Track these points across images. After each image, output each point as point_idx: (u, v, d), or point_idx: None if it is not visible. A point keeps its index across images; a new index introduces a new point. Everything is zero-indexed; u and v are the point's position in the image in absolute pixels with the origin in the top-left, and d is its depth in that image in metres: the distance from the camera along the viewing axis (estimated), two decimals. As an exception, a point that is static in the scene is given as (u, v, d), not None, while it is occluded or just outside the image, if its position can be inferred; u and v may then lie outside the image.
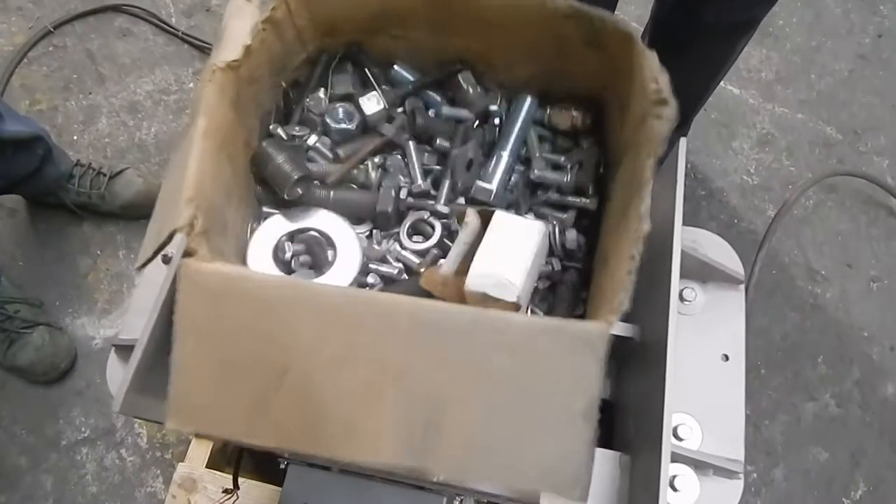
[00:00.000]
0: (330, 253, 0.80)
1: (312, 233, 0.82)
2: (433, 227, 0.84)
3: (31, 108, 1.95)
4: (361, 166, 0.84)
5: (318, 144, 0.84)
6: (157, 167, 1.88)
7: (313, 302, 0.50)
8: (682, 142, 0.71)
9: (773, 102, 1.92)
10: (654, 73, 0.62)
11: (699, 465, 0.76)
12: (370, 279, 0.82)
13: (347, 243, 0.80)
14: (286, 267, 0.81)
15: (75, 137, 1.92)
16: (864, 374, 1.60)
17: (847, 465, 1.52)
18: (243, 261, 0.77)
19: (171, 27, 2.05)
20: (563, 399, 0.48)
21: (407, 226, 0.84)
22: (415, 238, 0.85)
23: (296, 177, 0.76)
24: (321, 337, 0.49)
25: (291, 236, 0.82)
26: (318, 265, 0.80)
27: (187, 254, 0.54)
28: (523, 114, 0.88)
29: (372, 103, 0.84)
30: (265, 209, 0.83)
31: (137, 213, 1.77)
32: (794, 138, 1.87)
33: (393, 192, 0.81)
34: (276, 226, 0.82)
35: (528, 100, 0.87)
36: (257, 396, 0.49)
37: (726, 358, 0.83)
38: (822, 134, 1.87)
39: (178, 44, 2.05)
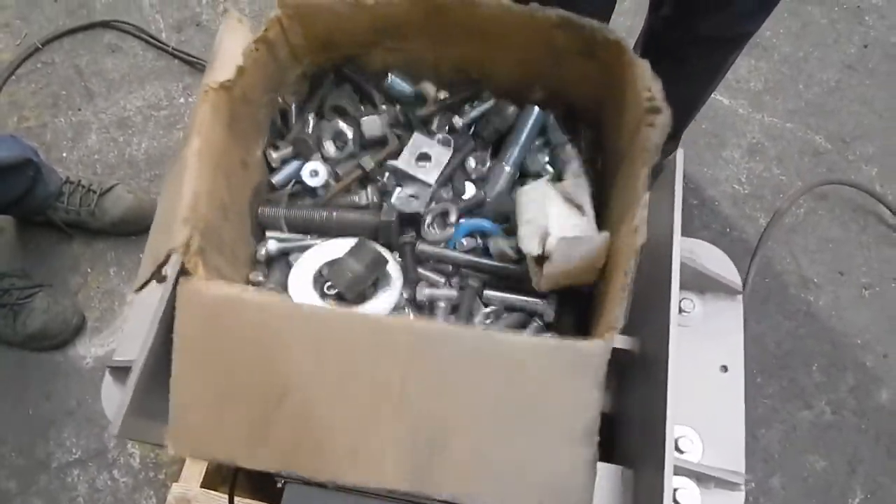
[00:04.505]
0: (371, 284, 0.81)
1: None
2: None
3: (19, 124, 1.94)
4: (362, 192, 0.84)
5: (319, 167, 0.84)
6: (148, 182, 1.87)
7: (311, 324, 0.49)
8: (679, 154, 0.72)
9: (763, 112, 1.94)
10: (646, 82, 0.63)
11: (701, 478, 0.76)
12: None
13: (389, 273, 0.80)
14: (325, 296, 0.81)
15: (64, 154, 1.90)
16: (859, 381, 1.61)
17: (844, 473, 1.52)
18: (244, 276, 0.76)
19: (160, 42, 2.04)
20: (563, 420, 0.48)
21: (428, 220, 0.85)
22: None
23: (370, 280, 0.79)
24: (320, 359, 0.48)
25: (330, 266, 0.82)
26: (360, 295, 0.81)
27: (184, 272, 0.53)
28: (529, 126, 0.88)
29: (374, 127, 0.83)
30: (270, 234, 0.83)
31: (128, 229, 1.75)
32: (784, 147, 1.89)
33: (396, 203, 0.81)
34: (317, 255, 0.82)
35: (536, 111, 0.87)
36: (256, 420, 0.49)
37: (725, 369, 0.83)
38: (811, 143, 1.89)
39: (167, 59, 2.04)
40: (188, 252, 0.53)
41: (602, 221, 0.80)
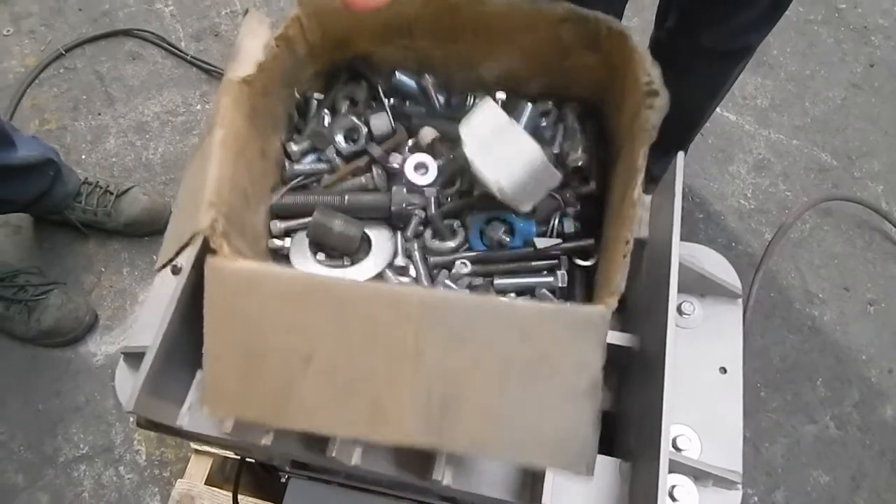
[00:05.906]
0: (365, 248, 0.84)
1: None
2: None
3: (40, 127, 1.99)
4: (367, 174, 0.87)
5: (332, 157, 0.87)
6: (163, 186, 1.91)
7: (330, 295, 0.53)
8: (680, 156, 0.74)
9: (769, 128, 1.96)
10: (646, 68, 0.65)
11: (698, 476, 0.77)
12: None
13: (381, 239, 0.84)
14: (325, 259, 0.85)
15: (83, 156, 1.95)
16: (863, 396, 1.61)
17: (848, 488, 1.52)
18: (264, 260, 0.79)
19: (179, 51, 2.10)
20: (568, 378, 0.51)
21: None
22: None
23: (358, 237, 0.82)
24: (341, 326, 0.52)
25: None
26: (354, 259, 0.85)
27: (211, 252, 0.56)
28: (523, 123, 0.90)
29: (382, 123, 0.86)
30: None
31: (142, 230, 1.79)
32: (790, 163, 1.90)
33: (405, 191, 0.83)
34: None
35: (529, 107, 0.90)
36: (285, 382, 0.52)
37: (724, 371, 0.84)
38: (816, 159, 1.91)
39: (186, 67, 2.10)
40: (214, 234, 0.56)
41: (605, 206, 0.82)
